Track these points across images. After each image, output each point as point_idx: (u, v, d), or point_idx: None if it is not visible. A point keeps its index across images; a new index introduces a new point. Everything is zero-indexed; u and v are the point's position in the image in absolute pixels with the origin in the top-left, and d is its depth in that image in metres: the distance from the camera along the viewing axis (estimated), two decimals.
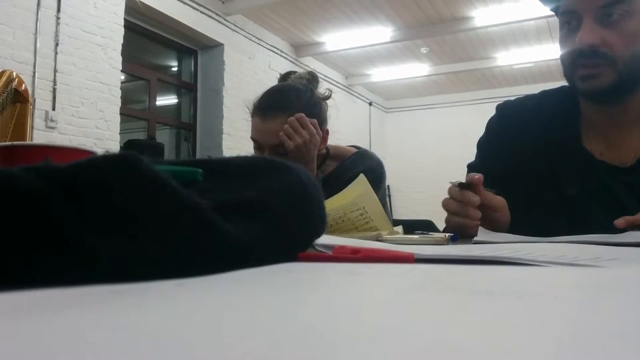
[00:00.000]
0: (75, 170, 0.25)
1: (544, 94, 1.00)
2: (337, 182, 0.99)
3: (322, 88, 1.31)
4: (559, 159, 0.90)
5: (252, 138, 1.21)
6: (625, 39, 0.80)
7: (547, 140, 0.92)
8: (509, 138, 0.97)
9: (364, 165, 1.23)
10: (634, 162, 0.85)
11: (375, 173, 1.24)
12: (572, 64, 0.85)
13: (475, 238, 0.71)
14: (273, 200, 0.33)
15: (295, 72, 1.35)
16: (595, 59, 0.82)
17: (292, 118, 1.13)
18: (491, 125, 1.04)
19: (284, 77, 1.35)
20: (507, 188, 0.93)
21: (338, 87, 7.37)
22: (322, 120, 1.22)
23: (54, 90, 3.77)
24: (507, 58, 7.01)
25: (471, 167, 1.03)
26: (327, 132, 1.23)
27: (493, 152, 0.99)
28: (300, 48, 6.75)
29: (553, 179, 0.90)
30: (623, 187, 0.84)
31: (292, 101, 1.18)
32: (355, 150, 1.34)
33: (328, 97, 1.30)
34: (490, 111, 1.09)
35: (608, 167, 0.86)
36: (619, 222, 0.68)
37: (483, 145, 1.03)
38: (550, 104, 0.97)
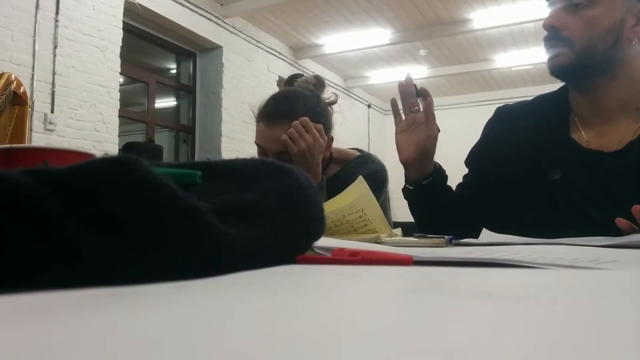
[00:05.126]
0: (74, 173, 0.25)
1: (540, 97, 1.06)
2: (340, 185, 0.98)
3: (327, 93, 1.30)
4: (545, 150, 0.95)
5: (257, 143, 1.20)
6: (584, 24, 0.88)
7: (536, 137, 0.97)
8: (501, 140, 1.03)
9: (367, 169, 1.23)
10: (620, 148, 0.89)
11: (378, 177, 1.24)
12: (543, 44, 0.94)
13: (473, 240, 0.71)
14: (272, 203, 0.33)
15: (302, 75, 1.32)
16: (554, 40, 0.91)
17: (296, 122, 1.12)
18: (486, 126, 1.10)
19: (290, 80, 1.32)
20: (496, 184, 1.00)
21: (337, 89, 7.38)
22: (327, 127, 1.21)
23: (53, 92, 3.77)
24: (506, 60, 7.02)
25: (466, 163, 1.10)
26: (331, 139, 1.22)
27: (484, 152, 1.06)
28: (298, 50, 6.76)
29: (537, 167, 0.94)
30: (608, 172, 0.88)
31: (298, 108, 1.16)
32: (358, 153, 1.33)
33: (334, 102, 1.29)
34: (489, 113, 1.12)
35: (593, 154, 0.91)
36: (622, 225, 0.69)
37: (477, 145, 1.09)
38: (543, 105, 1.02)
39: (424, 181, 0.98)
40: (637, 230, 0.68)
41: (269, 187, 0.35)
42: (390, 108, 1.03)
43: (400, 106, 0.99)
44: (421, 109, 0.97)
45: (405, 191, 1.02)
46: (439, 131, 0.96)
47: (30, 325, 0.15)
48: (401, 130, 0.99)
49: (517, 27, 5.96)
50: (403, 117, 0.99)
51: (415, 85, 0.97)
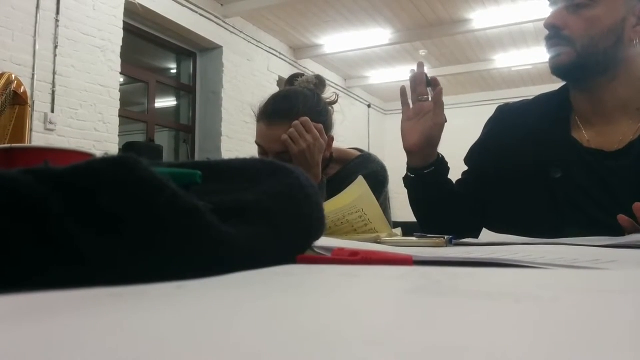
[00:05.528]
0: (74, 172, 0.25)
1: (541, 95, 1.06)
2: (340, 185, 0.99)
3: (328, 92, 1.30)
4: (545, 148, 0.96)
5: (257, 143, 1.21)
6: (585, 23, 0.89)
7: (537, 136, 0.97)
8: (502, 138, 1.03)
9: (368, 169, 1.23)
10: (621, 148, 0.90)
11: (378, 177, 1.24)
12: (545, 43, 0.95)
13: (473, 240, 0.71)
14: (272, 203, 0.33)
15: (302, 74, 1.32)
16: (556, 39, 0.92)
17: (296, 122, 1.12)
18: (487, 124, 1.11)
19: (291, 80, 1.32)
20: (496, 182, 1.00)
21: (337, 89, 7.37)
22: (328, 127, 1.21)
23: (53, 92, 3.77)
24: (506, 60, 7.02)
25: (465, 161, 1.11)
26: (332, 139, 1.22)
27: (485, 149, 1.06)
28: (299, 50, 6.76)
29: (539, 166, 0.95)
30: (608, 171, 0.89)
31: (298, 108, 1.16)
32: (358, 153, 1.33)
33: (334, 102, 1.29)
34: (489, 113, 1.13)
35: (594, 152, 0.91)
36: (624, 222, 0.70)
37: (477, 142, 1.10)
38: (544, 104, 1.03)
39: (426, 170, 0.98)
40: (639, 228, 0.68)
41: (269, 187, 0.35)
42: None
43: (409, 94, 1.00)
44: (430, 99, 0.98)
45: (406, 179, 1.02)
46: (446, 121, 0.97)
47: (30, 325, 0.15)
48: (408, 118, 1.00)
49: (516, 28, 5.95)
50: (411, 106, 1.00)
51: (426, 75, 0.98)
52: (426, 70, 1.00)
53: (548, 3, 0.95)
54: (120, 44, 4.34)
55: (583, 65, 0.90)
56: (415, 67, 0.99)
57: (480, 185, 1.03)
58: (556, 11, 0.92)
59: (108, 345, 0.13)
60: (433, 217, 1.01)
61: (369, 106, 8.71)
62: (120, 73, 4.38)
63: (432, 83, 0.97)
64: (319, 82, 1.27)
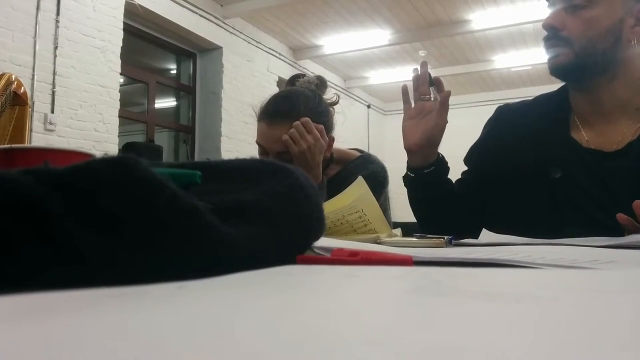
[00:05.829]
0: (74, 173, 0.25)
1: (541, 96, 1.07)
2: (340, 185, 0.99)
3: (329, 93, 1.30)
4: (545, 149, 0.96)
5: (258, 143, 1.21)
6: (583, 25, 0.89)
7: (537, 136, 0.98)
8: (502, 138, 1.04)
9: (368, 170, 1.23)
10: (620, 148, 0.90)
11: (378, 178, 1.24)
12: (544, 44, 0.96)
13: (473, 240, 0.71)
14: (272, 203, 0.33)
15: (304, 75, 1.32)
16: (554, 40, 0.92)
17: (297, 123, 1.12)
18: (487, 125, 1.12)
19: (292, 81, 1.32)
20: (496, 183, 1.01)
21: (337, 90, 7.37)
22: (328, 128, 1.21)
23: (53, 93, 3.77)
24: (505, 61, 7.02)
25: (465, 161, 1.11)
26: (332, 140, 1.22)
27: (485, 150, 1.07)
28: (299, 51, 6.76)
29: (539, 166, 0.95)
30: (608, 171, 0.89)
31: (299, 109, 1.16)
32: (358, 154, 1.33)
33: (336, 103, 1.29)
34: (488, 114, 1.13)
35: (594, 153, 0.92)
36: (623, 220, 0.70)
37: (477, 143, 1.10)
38: (544, 104, 1.03)
39: (426, 170, 0.99)
40: (638, 227, 0.68)
41: (269, 187, 0.35)
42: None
43: (411, 94, 1.00)
44: (432, 98, 0.98)
45: (406, 179, 1.02)
46: (447, 122, 0.97)
47: (31, 325, 0.15)
48: (410, 117, 1.00)
49: (516, 29, 5.96)
50: (413, 105, 1.00)
51: (429, 74, 0.99)
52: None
53: (547, 4, 0.95)
54: (121, 44, 4.34)
55: (582, 66, 0.90)
56: (417, 67, 0.99)
57: (480, 185, 1.03)
58: (555, 12, 0.92)
59: (109, 345, 0.13)
60: (433, 217, 1.02)
61: (368, 107, 8.71)
62: (121, 74, 4.38)
63: (436, 83, 0.98)
64: (321, 83, 1.27)
